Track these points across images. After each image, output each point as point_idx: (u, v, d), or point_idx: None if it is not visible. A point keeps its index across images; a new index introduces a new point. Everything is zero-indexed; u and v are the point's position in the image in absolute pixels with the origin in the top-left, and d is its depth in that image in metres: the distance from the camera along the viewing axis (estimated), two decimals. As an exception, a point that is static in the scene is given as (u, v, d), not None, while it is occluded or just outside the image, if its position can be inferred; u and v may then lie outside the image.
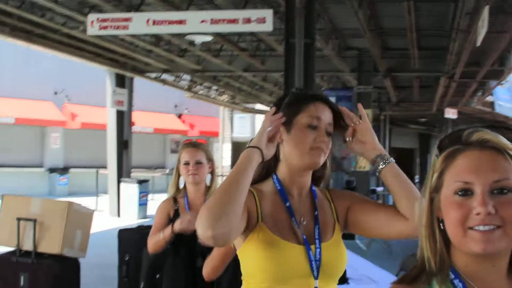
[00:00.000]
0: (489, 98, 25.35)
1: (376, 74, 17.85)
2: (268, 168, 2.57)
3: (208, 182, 4.71)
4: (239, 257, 2.47)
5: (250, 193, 2.39)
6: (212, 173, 4.72)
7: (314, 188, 2.58)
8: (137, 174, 23.07)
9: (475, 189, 1.51)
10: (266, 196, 2.48)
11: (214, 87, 25.66)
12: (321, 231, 2.47)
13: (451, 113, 25.19)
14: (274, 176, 2.54)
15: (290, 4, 9.64)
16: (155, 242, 4.48)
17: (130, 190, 18.76)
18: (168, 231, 4.40)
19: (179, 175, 4.69)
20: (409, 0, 10.28)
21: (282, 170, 2.52)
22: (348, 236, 10.24)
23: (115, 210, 19.39)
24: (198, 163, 4.59)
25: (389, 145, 32.34)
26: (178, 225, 4.36)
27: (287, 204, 2.47)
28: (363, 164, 17.59)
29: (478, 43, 10.30)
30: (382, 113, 27.57)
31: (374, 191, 19.83)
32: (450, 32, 12.49)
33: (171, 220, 4.56)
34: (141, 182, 18.78)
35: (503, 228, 1.49)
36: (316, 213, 2.50)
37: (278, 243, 2.36)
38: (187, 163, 4.58)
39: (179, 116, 35.19)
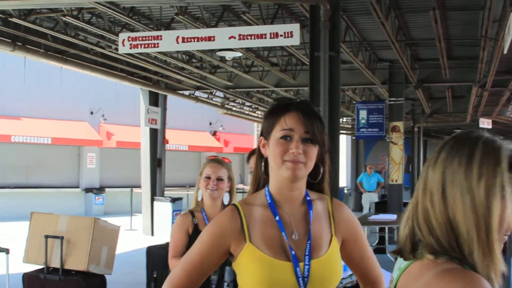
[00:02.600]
0: (524, 107, 25.09)
1: (408, 86, 17.75)
2: (259, 183, 2.60)
3: (225, 201, 4.71)
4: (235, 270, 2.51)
5: (236, 216, 2.47)
6: (231, 192, 4.74)
7: (309, 198, 2.54)
8: (172, 192, 23.15)
9: None
10: (256, 211, 2.49)
11: (247, 104, 25.74)
12: (314, 246, 2.45)
13: (486, 123, 24.97)
14: (266, 188, 2.53)
15: (314, 18, 9.63)
16: None
17: (163, 208, 18.77)
18: None
19: (198, 189, 4.72)
20: (434, 9, 10.21)
21: (272, 183, 2.51)
22: (379, 251, 10.18)
23: (148, 229, 19.44)
24: (219, 179, 4.62)
25: (424, 157, 32.09)
26: None
27: (277, 218, 2.46)
28: (395, 177, 17.46)
29: (505, 51, 10.18)
30: (416, 125, 27.38)
31: (406, 204, 19.64)
32: (479, 40, 12.38)
33: (190, 237, 4.56)
34: (174, 200, 18.77)
35: None
36: (310, 227, 2.48)
37: (266, 261, 2.38)
38: (208, 177, 4.61)
39: (214, 133, 35.34)
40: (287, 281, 2.35)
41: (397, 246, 1.87)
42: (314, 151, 2.43)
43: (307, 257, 2.40)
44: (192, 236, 4.58)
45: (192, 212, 4.71)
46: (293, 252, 2.39)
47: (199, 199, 4.73)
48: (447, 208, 1.74)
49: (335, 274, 2.47)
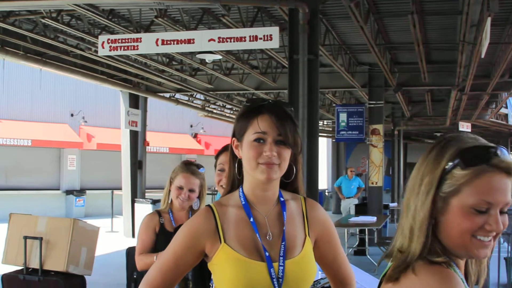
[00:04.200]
0: (503, 110, 25.26)
1: (388, 89, 17.87)
2: (233, 184, 2.61)
3: (195, 206, 4.76)
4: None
5: (211, 217, 2.49)
6: (200, 197, 4.77)
7: (283, 199, 2.56)
8: (152, 194, 23.12)
9: (491, 209, 1.71)
10: (230, 212, 2.51)
11: (228, 106, 25.78)
12: (288, 247, 2.47)
13: (465, 127, 25.14)
14: (240, 189, 2.55)
15: (293, 21, 9.71)
16: (147, 263, 4.53)
17: (144, 210, 18.65)
18: None
19: (169, 191, 4.76)
20: (413, 13, 10.30)
21: (246, 184, 2.54)
22: (359, 252, 10.23)
23: (129, 231, 19.42)
24: (191, 190, 4.65)
25: (404, 160, 32.22)
26: None
27: (251, 220, 2.48)
28: (375, 180, 17.57)
29: (483, 55, 10.30)
30: (396, 128, 27.51)
31: (387, 206, 19.71)
32: (457, 44, 12.51)
33: (157, 235, 4.64)
34: (155, 202, 18.71)
35: (495, 239, 1.75)
36: (284, 228, 2.49)
37: (241, 262, 2.40)
38: (180, 188, 4.64)
39: (195, 136, 35.31)
40: (262, 282, 2.38)
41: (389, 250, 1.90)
42: (287, 152, 2.45)
43: (281, 258, 2.43)
44: (159, 235, 4.66)
45: (158, 212, 4.77)
46: (267, 253, 2.42)
47: (169, 201, 4.78)
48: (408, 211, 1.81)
49: (309, 274, 2.49)
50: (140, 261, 4.60)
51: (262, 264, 2.40)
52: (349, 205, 20.10)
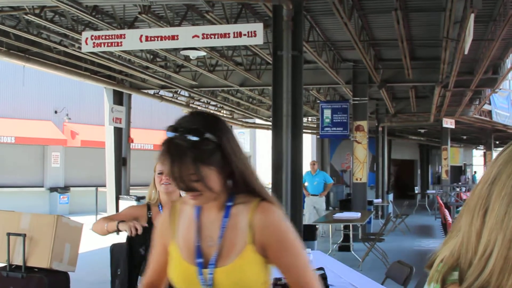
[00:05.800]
0: (487, 107, 25.37)
1: (372, 86, 17.91)
2: None
3: (183, 193, 4.75)
4: None
5: (169, 214, 2.59)
6: None
7: (230, 204, 2.47)
8: (137, 191, 23.06)
9: None
10: (186, 211, 2.56)
11: (212, 103, 25.75)
12: (223, 254, 2.39)
13: (449, 123, 25.23)
14: None
15: (277, 17, 9.73)
16: (100, 227, 4.69)
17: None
18: (113, 227, 4.57)
19: (155, 185, 4.77)
20: (396, 10, 10.33)
21: None
22: (344, 248, 10.24)
23: (113, 228, 19.36)
24: None
25: (388, 157, 32.29)
26: (123, 226, 4.47)
27: (197, 222, 2.49)
28: (360, 176, 17.61)
29: (466, 51, 10.36)
30: (380, 124, 27.56)
31: (371, 203, 19.76)
32: (441, 41, 12.56)
33: (146, 228, 4.65)
34: (139, 198, 18.72)
35: None
36: (219, 235, 2.44)
37: (180, 262, 2.46)
38: (160, 173, 4.65)
39: (179, 132, 35.25)
40: (195, 285, 2.40)
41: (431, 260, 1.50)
42: (199, 185, 2.35)
43: (211, 266, 2.39)
44: (147, 228, 4.66)
45: (148, 206, 4.77)
46: (199, 259, 2.41)
47: (158, 195, 4.80)
48: (483, 226, 1.34)
49: (245, 283, 2.39)
50: (96, 224, 4.75)
51: (194, 268, 2.41)
52: (313, 204, 17.33)
